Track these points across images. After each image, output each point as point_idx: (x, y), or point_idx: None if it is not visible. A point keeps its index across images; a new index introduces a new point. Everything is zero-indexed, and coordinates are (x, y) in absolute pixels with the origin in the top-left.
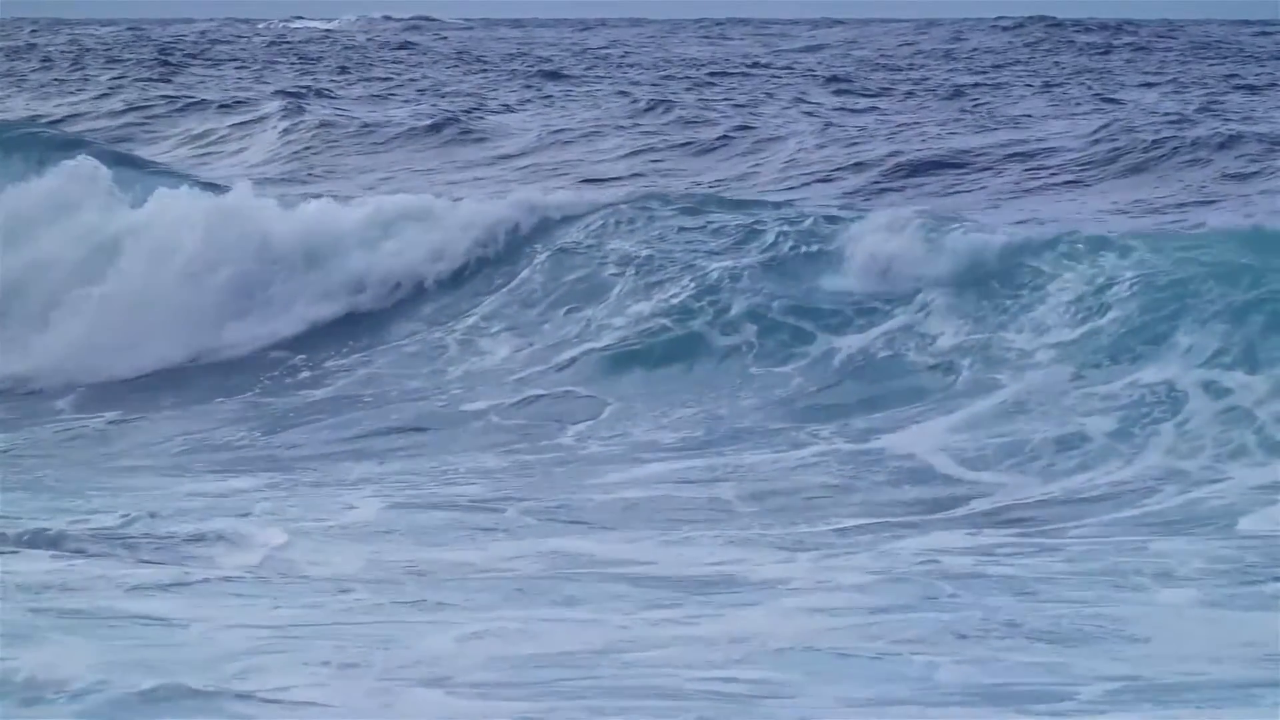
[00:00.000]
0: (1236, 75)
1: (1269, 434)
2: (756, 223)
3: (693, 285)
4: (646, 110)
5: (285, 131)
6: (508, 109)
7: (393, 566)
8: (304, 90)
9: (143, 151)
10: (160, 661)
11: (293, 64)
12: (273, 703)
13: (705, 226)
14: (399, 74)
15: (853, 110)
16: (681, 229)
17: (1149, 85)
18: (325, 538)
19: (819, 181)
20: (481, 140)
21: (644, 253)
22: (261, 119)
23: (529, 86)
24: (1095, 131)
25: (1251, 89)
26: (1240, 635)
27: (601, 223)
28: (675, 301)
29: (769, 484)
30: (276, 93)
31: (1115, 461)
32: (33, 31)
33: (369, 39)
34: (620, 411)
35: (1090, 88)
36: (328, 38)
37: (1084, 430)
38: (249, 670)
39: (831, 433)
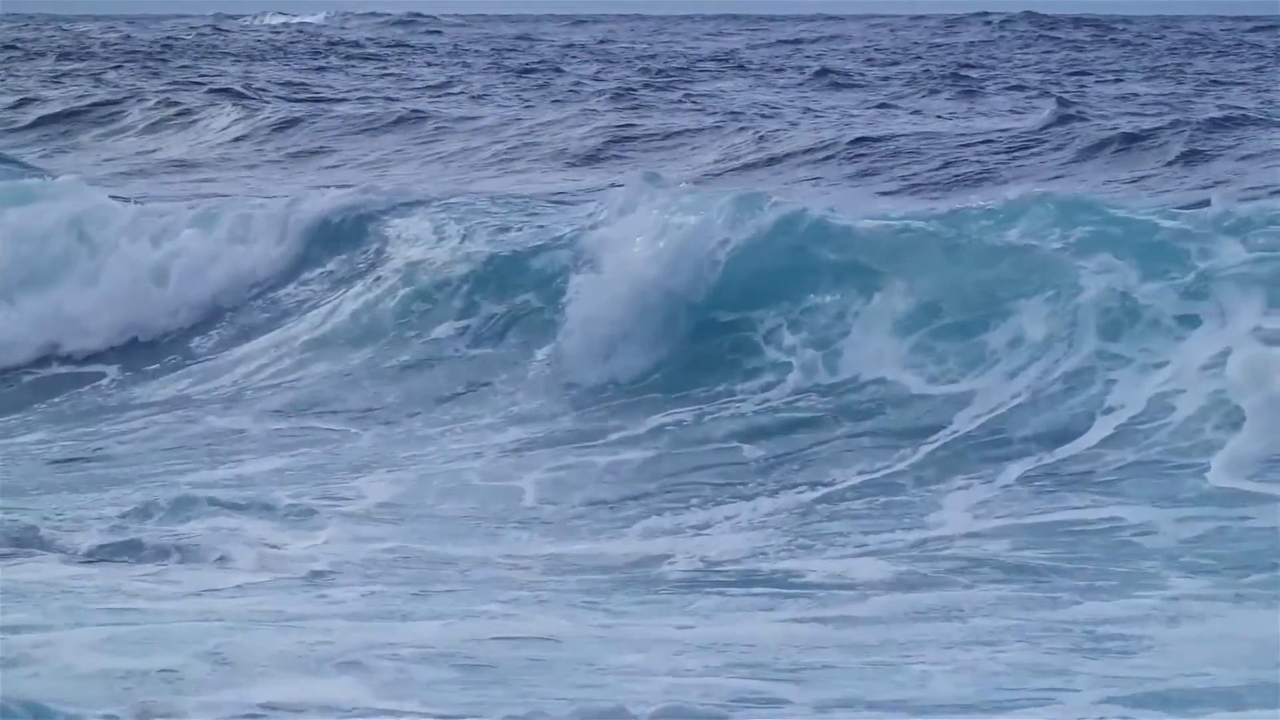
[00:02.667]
0: (1221, 70)
1: (1165, 310)
2: (597, 203)
3: (557, 228)
4: (631, 100)
5: (243, 122)
6: (482, 100)
7: (396, 558)
8: (275, 84)
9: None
10: (154, 651)
11: (276, 57)
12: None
13: (549, 207)
14: (383, 69)
15: (841, 101)
16: (546, 205)
17: (1126, 78)
18: (336, 528)
19: (800, 165)
20: (448, 129)
21: (511, 216)
22: (223, 110)
23: (513, 81)
24: (1067, 119)
25: (1233, 81)
26: (1242, 636)
27: (467, 203)
28: (558, 234)
29: (764, 435)
30: (246, 86)
31: (1059, 348)
32: (26, 26)
33: (361, 36)
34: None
35: (1074, 79)
36: (320, 34)
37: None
38: (245, 667)
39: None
